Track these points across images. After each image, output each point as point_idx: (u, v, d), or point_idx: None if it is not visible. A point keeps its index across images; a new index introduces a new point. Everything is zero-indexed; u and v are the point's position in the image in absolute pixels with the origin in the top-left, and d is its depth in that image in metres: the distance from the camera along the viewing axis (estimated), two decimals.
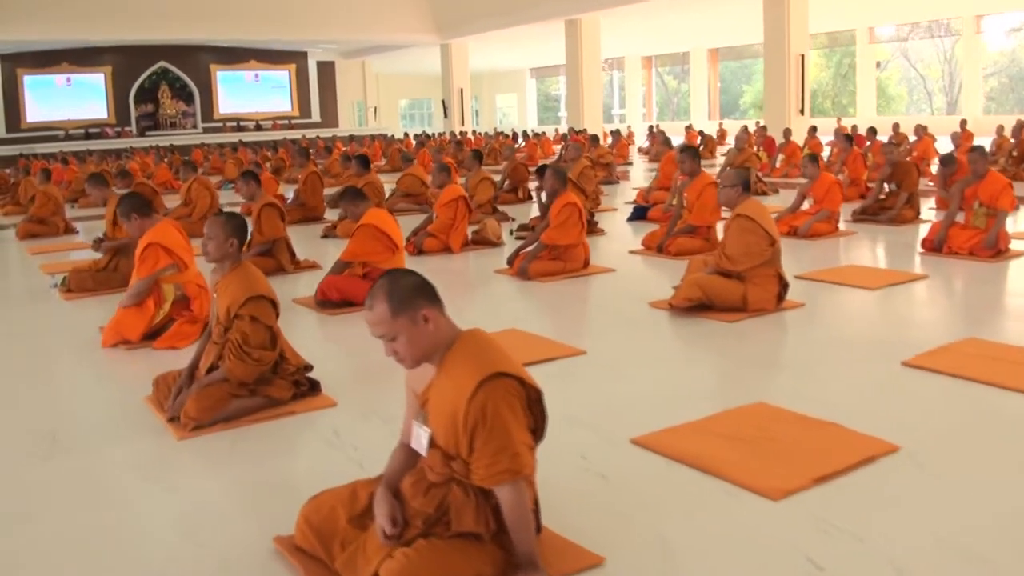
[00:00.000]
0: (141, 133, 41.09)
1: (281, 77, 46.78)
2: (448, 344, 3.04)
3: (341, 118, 50.43)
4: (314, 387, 5.15)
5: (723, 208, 9.01)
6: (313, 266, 9.68)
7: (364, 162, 12.39)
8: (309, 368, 5.17)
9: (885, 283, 8.06)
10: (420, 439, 3.13)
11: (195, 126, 43.18)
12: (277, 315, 4.96)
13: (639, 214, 12.97)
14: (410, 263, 9.65)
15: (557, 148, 32.70)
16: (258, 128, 44.26)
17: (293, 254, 9.58)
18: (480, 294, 8.45)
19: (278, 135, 40.95)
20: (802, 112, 29.73)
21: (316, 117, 47.90)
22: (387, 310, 2.93)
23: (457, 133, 36.11)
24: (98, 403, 5.43)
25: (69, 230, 14.00)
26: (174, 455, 4.49)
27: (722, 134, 36.54)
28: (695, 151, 10.14)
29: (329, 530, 3.19)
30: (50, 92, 40.39)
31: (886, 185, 12.50)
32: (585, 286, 8.55)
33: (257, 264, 8.88)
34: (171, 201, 15.50)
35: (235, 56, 44.36)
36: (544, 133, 32.93)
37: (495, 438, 2.91)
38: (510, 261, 9.11)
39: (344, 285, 7.44)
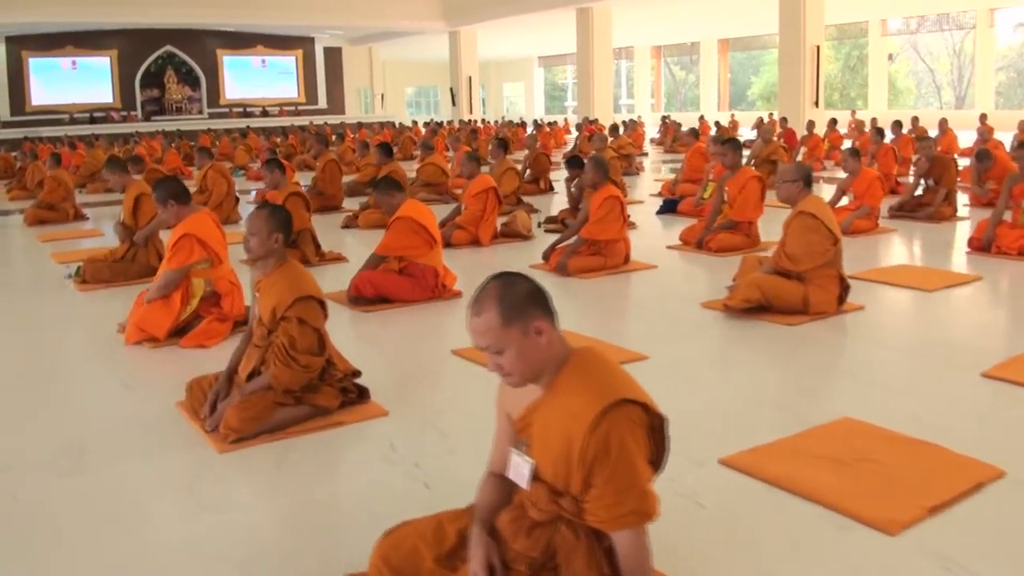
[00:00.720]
0: (147, 118, 40.55)
1: (288, 63, 46.23)
2: (560, 362, 2.63)
3: (348, 105, 49.90)
4: (363, 395, 4.74)
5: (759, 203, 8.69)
6: (338, 258, 9.27)
7: (387, 150, 11.95)
8: (357, 374, 4.77)
9: (940, 285, 7.67)
10: (520, 470, 2.72)
11: (201, 111, 42.62)
12: (325, 317, 4.55)
13: (669, 207, 12.56)
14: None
15: (567, 138, 32.35)
16: (264, 114, 43.77)
17: (318, 246, 9.18)
18: None
19: (285, 121, 40.46)
20: (816, 104, 29.32)
21: (323, 104, 47.38)
22: (497, 318, 2.53)
23: (468, 121, 35.68)
24: (126, 409, 5.00)
25: (79, 216, 13.58)
26: (215, 471, 4.08)
27: (734, 125, 36.11)
28: (738, 143, 9.74)
29: (412, 572, 2.78)
30: (55, 75, 39.85)
31: (923, 181, 12.07)
32: (628, 283, 8.14)
33: None
34: None
35: (242, 41, 43.81)
36: (556, 122, 32.44)
37: (620, 475, 2.50)
38: (546, 256, 8.71)
39: (380, 280, 7.03)
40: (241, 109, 43.56)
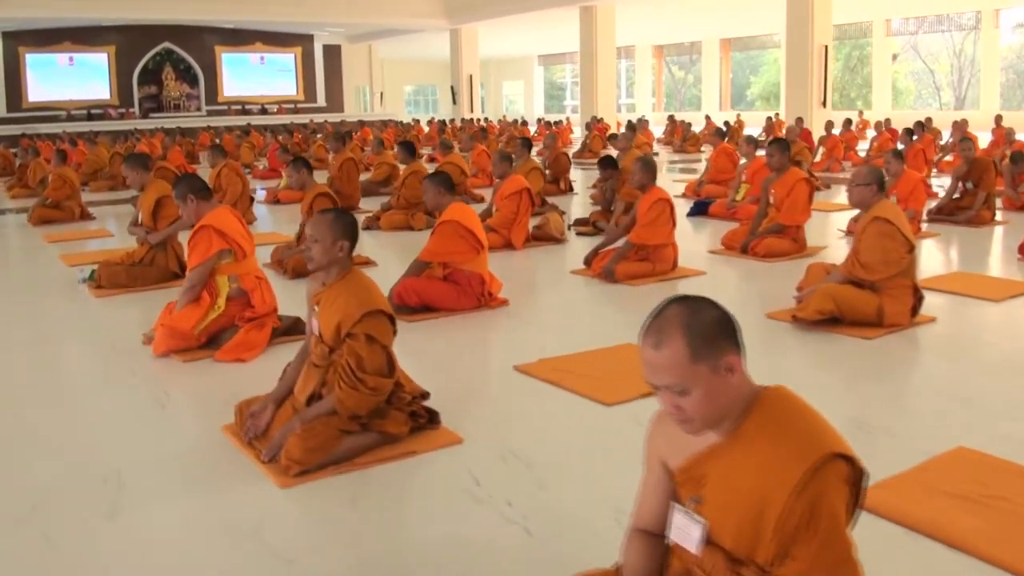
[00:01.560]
0: (144, 115, 40.00)
1: (287, 60, 45.73)
2: (746, 404, 2.17)
3: (347, 103, 49.38)
4: (433, 419, 4.28)
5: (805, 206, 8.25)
6: (366, 262, 8.80)
7: (410, 148, 11.47)
8: (425, 396, 4.30)
9: (1006, 294, 7.24)
10: (688, 532, 2.26)
11: (199, 109, 42.10)
12: (394, 333, 4.08)
13: (700, 209, 12.10)
14: None
15: (571, 137, 31.86)
16: (263, 112, 43.25)
17: None
18: (565, 300, 7.53)
19: (284, 119, 39.96)
20: (824, 104, 28.97)
21: (321, 101, 46.87)
22: (685, 351, 2.07)
23: (474, 120, 35.26)
24: (164, 433, 4.51)
25: (85, 216, 13.08)
26: (279, 510, 3.60)
27: (740, 125, 35.68)
28: (786, 144, 9.29)
29: None
30: (52, 71, 39.24)
31: (961, 183, 11.65)
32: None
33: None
34: None
35: (240, 38, 43.32)
36: (562, 121, 31.94)
37: (831, 548, 2.05)
38: (588, 261, 8.26)
39: (424, 288, 6.56)
40: (240, 107, 43.05)
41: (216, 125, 35.95)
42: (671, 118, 33.20)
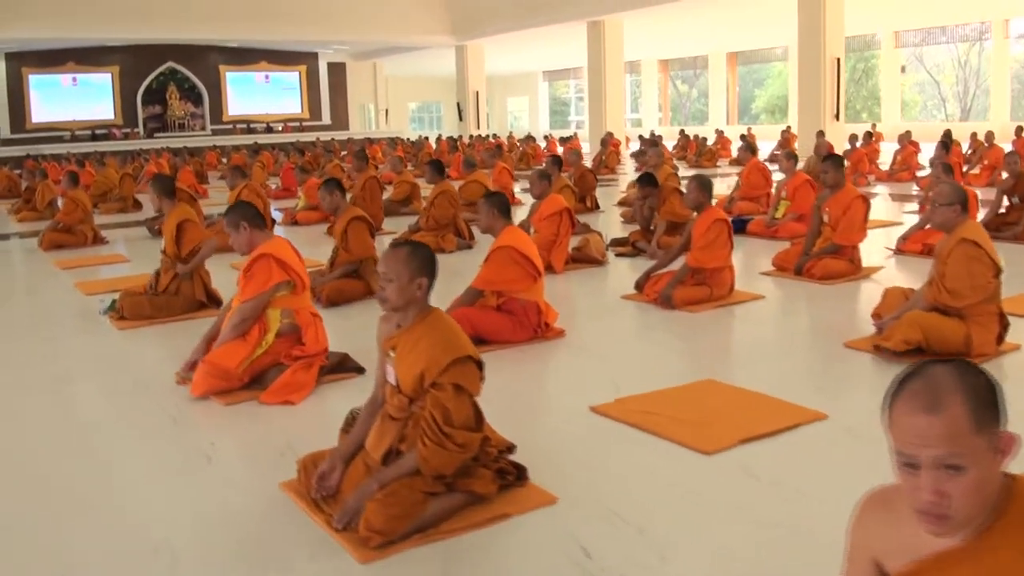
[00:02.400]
0: (149, 135, 39.64)
1: (291, 78, 45.41)
2: (1002, 497, 1.70)
3: (351, 120, 49.02)
4: (521, 475, 3.79)
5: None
6: None
7: (438, 168, 10.99)
8: (512, 449, 3.82)
9: None
10: None
11: (204, 128, 41.76)
12: (482, 379, 3.60)
13: (737, 227, 11.55)
14: None
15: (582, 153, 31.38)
16: (268, 130, 42.87)
17: None
18: (623, 329, 7.03)
19: (290, 137, 39.54)
20: (837, 117, 28.64)
21: (326, 119, 46.52)
22: (967, 419, 1.64)
23: (484, 136, 34.87)
24: (215, 492, 4.01)
25: (98, 240, 12.60)
26: None
27: (752, 139, 35.25)
28: (840, 161, 8.84)
29: None
30: (56, 92, 38.91)
31: (1007, 198, 11.21)
32: (743, 317, 7.21)
33: (344, 288, 7.69)
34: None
35: (245, 57, 43.01)
36: (574, 136, 31.41)
37: None
38: (639, 285, 7.79)
39: (478, 319, 6.08)
40: (245, 125, 42.72)
41: (222, 144, 35.54)
42: (683, 132, 32.77)
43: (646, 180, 10.04)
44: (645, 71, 51.31)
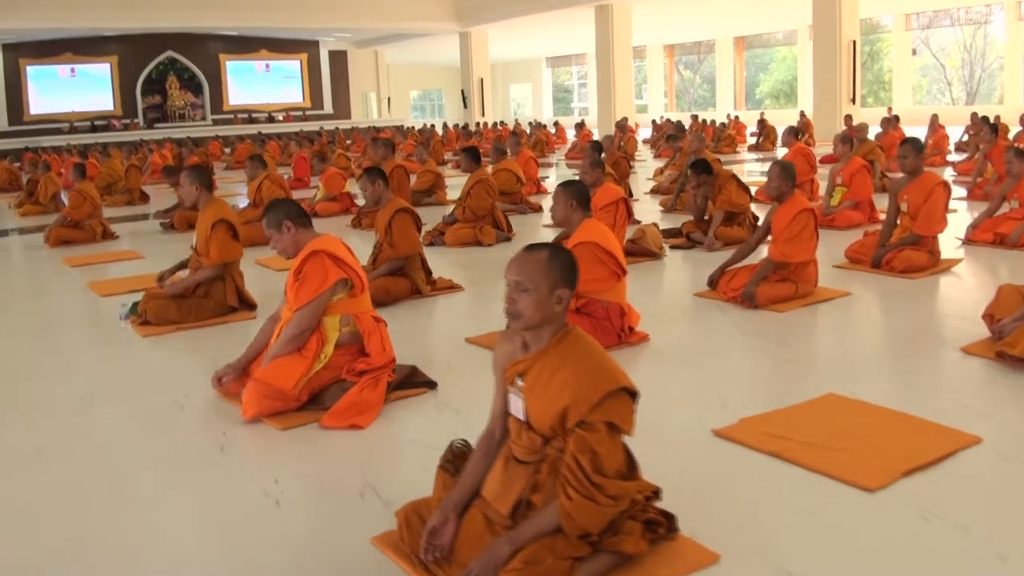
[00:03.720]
0: (149, 125, 38.79)
1: (292, 67, 44.57)
2: None
3: (353, 109, 48.21)
4: (671, 525, 3.08)
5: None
6: (451, 287, 7.62)
7: (475, 156, 10.23)
8: (658, 493, 3.10)
9: None
10: None
11: (204, 118, 40.90)
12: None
13: None
14: None
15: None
16: (270, 120, 42.05)
17: (429, 272, 7.52)
18: (708, 332, 6.27)
19: (292, 127, 38.76)
20: (853, 101, 28.07)
21: (328, 108, 45.70)
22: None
23: (494, 124, 34.17)
24: (295, 546, 3.28)
25: (108, 235, 11.86)
26: None
27: (762, 124, 34.54)
28: (920, 145, 8.12)
29: None
30: (54, 83, 38.04)
31: None
32: (835, 318, 6.50)
33: (390, 287, 6.93)
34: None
35: (245, 45, 42.17)
36: (583, 123, 30.54)
37: None
38: (713, 282, 7.09)
39: None
40: (246, 115, 41.90)
41: (225, 134, 34.74)
42: (695, 118, 32.03)
43: (700, 167, 9.31)
44: (651, 56, 50.51)
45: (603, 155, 11.27)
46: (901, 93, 40.90)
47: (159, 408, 4.87)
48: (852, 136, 11.68)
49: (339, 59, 47.30)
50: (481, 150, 23.32)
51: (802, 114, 31.88)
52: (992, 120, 17.29)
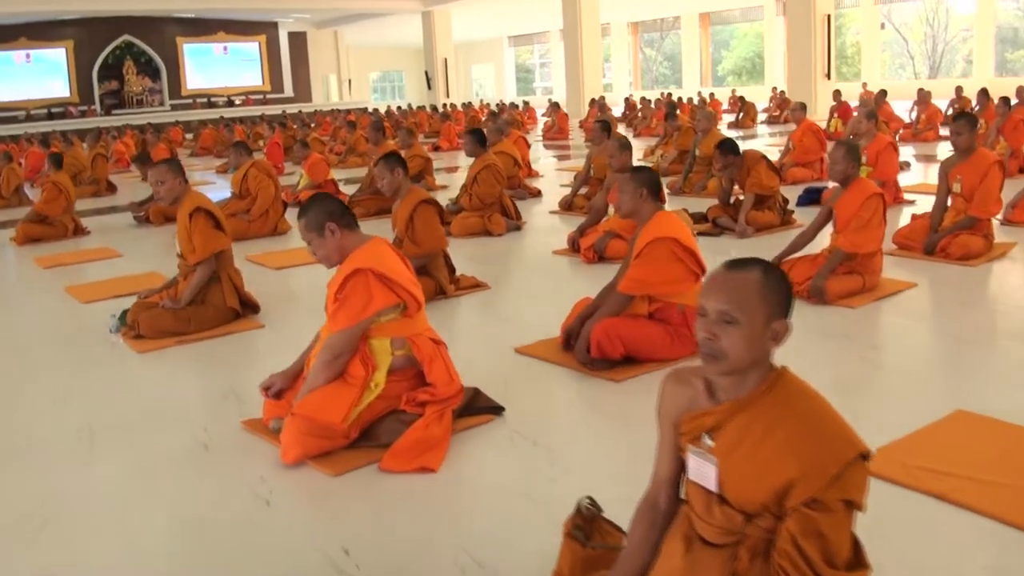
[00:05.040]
0: (107, 112, 37.54)
1: (251, 49, 43.45)
2: None
3: (314, 92, 47.13)
4: None
5: None
6: (477, 285, 6.90)
7: (480, 139, 9.44)
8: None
9: None
10: None
11: (162, 103, 39.72)
12: None
13: (811, 197, 10.26)
14: (588, 274, 7.00)
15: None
16: (230, 104, 40.94)
17: (453, 270, 6.81)
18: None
19: (254, 111, 37.67)
20: (828, 76, 27.58)
21: (289, 91, 44.64)
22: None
23: (494, 104, 33.41)
24: None
25: (79, 231, 11.01)
26: None
27: (734, 101, 34.03)
28: (974, 121, 7.51)
29: None
30: (9, 70, 36.60)
31: None
32: (913, 314, 5.86)
33: None
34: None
35: (202, 27, 41.00)
36: (558, 104, 29.60)
37: None
38: None
39: (630, 333, 4.68)
40: (205, 99, 40.77)
41: (185, 120, 33.65)
42: (669, 95, 31.40)
43: (728, 147, 8.63)
44: (615, 34, 49.75)
45: (610, 134, 10.53)
46: (870, 68, 40.44)
47: (178, 449, 4.10)
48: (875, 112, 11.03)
49: (298, 41, 46.20)
50: (454, 132, 22.83)
51: (774, 90, 31.45)
52: (987, 95, 16.69)
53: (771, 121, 25.92)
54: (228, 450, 4.02)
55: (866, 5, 40.94)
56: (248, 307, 6.30)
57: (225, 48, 42.73)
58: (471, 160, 9.39)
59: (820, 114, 25.38)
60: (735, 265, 2.18)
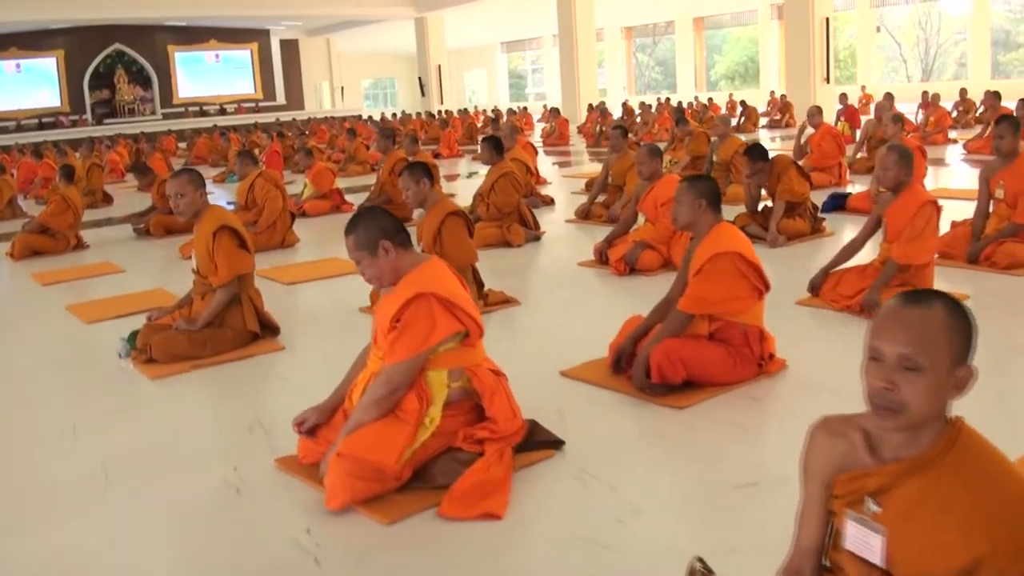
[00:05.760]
0: (98, 121, 37.13)
1: (243, 57, 43.09)
2: None
3: (307, 99, 46.75)
4: None
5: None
6: (507, 301, 6.54)
7: (496, 146, 9.08)
8: None
9: None
10: None
11: (154, 112, 39.34)
12: None
13: (836, 203, 9.93)
14: (619, 287, 6.67)
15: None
16: (222, 112, 40.54)
17: (481, 284, 6.46)
18: (841, 351, 5.24)
19: (247, 119, 37.26)
20: (827, 80, 27.33)
21: (281, 99, 44.31)
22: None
23: (488, 110, 33.05)
24: None
25: (79, 245, 10.61)
26: None
27: (733, 105, 33.76)
28: (1016, 123, 7.18)
29: None
30: None
31: None
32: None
33: None
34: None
35: (194, 35, 40.66)
36: (558, 109, 29.16)
37: None
38: (815, 287, 6.09)
39: (691, 355, 4.31)
40: (197, 108, 40.35)
41: (178, 128, 33.24)
42: (667, 100, 31.11)
43: (757, 153, 8.27)
44: (609, 39, 49.46)
45: (627, 138, 10.20)
46: (865, 71, 40.25)
47: (205, 491, 3.72)
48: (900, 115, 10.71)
49: (290, 48, 45.91)
50: (454, 139, 22.49)
51: (772, 94, 31.17)
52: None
53: (772, 125, 25.61)
54: (263, 494, 3.65)
55: (861, 8, 40.76)
56: (267, 328, 5.92)
57: (217, 56, 42.41)
58: (471, 168, 9.04)
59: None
60: (914, 300, 1.83)
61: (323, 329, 6.25)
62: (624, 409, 4.30)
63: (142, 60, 39.13)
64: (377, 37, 46.34)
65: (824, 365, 4.87)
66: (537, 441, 3.76)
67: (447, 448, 3.50)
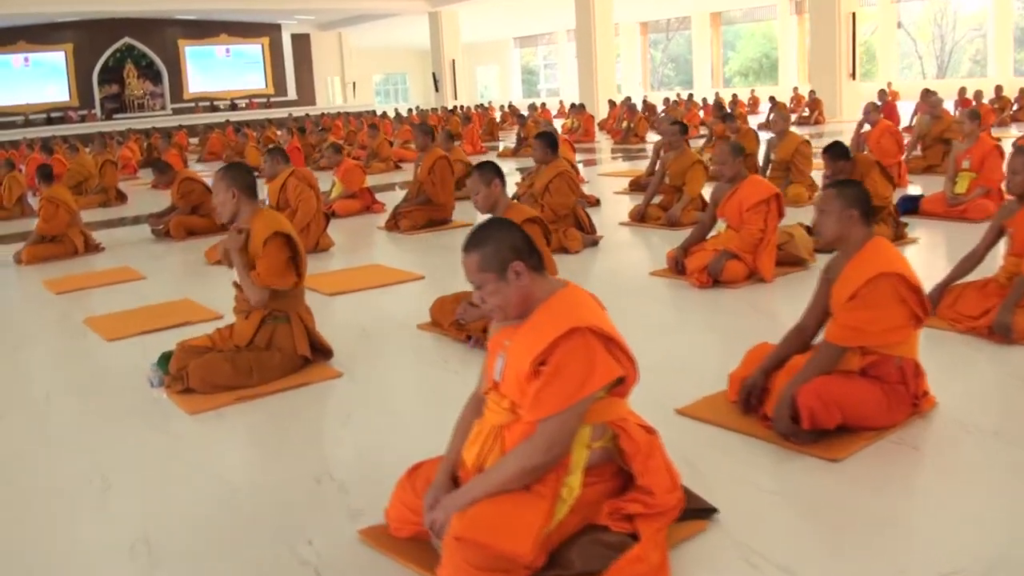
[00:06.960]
0: (108, 116, 36.48)
1: (254, 52, 42.45)
2: None
3: (318, 95, 46.06)
4: None
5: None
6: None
7: (551, 143, 8.36)
8: None
9: None
10: None
11: (164, 107, 38.68)
12: None
13: (908, 206, 9.20)
14: (705, 301, 5.98)
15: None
16: (233, 107, 39.88)
17: None
18: (990, 383, 4.52)
19: (259, 114, 36.60)
20: (853, 76, 26.67)
21: (292, 94, 43.67)
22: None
23: (479, 107, 32.38)
24: None
25: (91, 247, 9.91)
26: None
27: (755, 101, 33.14)
28: None
29: None
30: (7, 74, 35.61)
31: None
32: None
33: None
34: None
35: (204, 30, 40.00)
36: (583, 105, 28.21)
37: None
38: (935, 299, 5.35)
39: (844, 396, 3.59)
40: (208, 103, 39.73)
41: (189, 124, 32.56)
42: (691, 96, 30.42)
43: (837, 152, 7.53)
44: (625, 34, 48.75)
45: (686, 135, 9.49)
46: (887, 67, 39.60)
47: (274, 572, 3.01)
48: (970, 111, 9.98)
49: (302, 43, 45.21)
50: (476, 135, 21.72)
51: (795, 90, 30.51)
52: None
53: (801, 122, 24.89)
54: (341, 567, 2.94)
55: (883, 3, 40.09)
56: (318, 351, 5.21)
57: (227, 50, 41.79)
58: (505, 165, 8.34)
59: (846, 115, 24.46)
60: None
61: (378, 350, 5.55)
62: (764, 460, 3.59)
63: (152, 54, 38.49)
64: (389, 32, 45.70)
65: (975, 402, 4.16)
66: (689, 509, 3.04)
67: (586, 526, 2.78)
